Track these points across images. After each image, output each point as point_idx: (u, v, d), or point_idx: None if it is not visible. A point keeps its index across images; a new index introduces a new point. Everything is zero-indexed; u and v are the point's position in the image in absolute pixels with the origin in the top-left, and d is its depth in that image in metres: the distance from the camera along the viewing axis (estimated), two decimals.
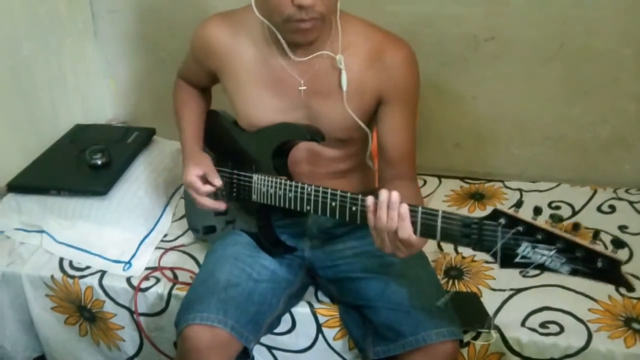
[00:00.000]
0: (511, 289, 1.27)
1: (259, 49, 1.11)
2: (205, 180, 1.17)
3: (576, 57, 1.62)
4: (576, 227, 0.74)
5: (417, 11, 1.65)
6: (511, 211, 0.78)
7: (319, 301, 1.26)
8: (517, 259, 0.77)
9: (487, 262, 1.38)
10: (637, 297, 1.24)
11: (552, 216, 0.75)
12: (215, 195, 1.18)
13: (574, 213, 1.56)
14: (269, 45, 1.09)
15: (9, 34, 1.56)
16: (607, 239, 1.37)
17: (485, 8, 1.62)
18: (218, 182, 1.16)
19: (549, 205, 1.59)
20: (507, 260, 0.78)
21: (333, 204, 0.99)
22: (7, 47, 1.55)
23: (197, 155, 1.22)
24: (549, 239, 0.74)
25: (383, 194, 0.90)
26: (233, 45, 1.13)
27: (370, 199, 0.92)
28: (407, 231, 0.89)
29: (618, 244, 0.71)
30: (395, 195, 0.89)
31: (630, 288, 0.71)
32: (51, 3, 1.70)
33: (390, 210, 0.89)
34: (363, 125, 1.11)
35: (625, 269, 0.72)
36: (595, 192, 1.63)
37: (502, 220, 0.78)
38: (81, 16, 1.84)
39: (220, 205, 1.18)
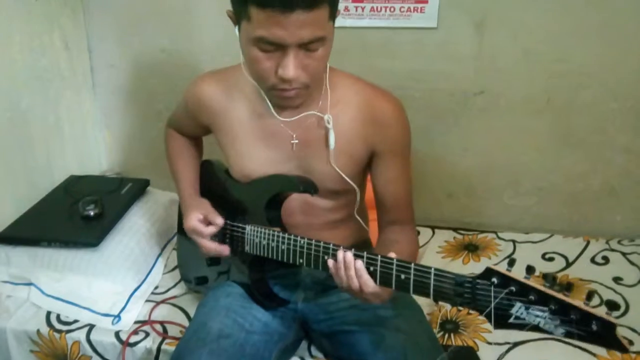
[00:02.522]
0: (508, 343, 1.25)
1: (252, 105, 1.13)
2: (206, 222, 1.17)
3: (564, 110, 1.66)
4: (569, 287, 0.72)
5: (407, 67, 1.70)
6: (504, 270, 0.76)
7: (312, 356, 1.22)
8: (511, 320, 0.76)
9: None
10: (636, 352, 1.22)
11: (545, 276, 0.73)
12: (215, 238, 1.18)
13: (568, 264, 1.55)
14: (262, 101, 1.10)
15: (9, 85, 1.58)
16: (602, 290, 1.39)
17: (474, 64, 1.67)
18: (220, 220, 1.16)
19: (543, 256, 1.59)
20: (501, 320, 0.77)
21: (326, 257, 0.98)
22: (6, 98, 1.57)
23: (195, 201, 1.23)
24: (543, 299, 0.73)
25: (339, 254, 0.95)
26: (227, 102, 1.15)
27: (330, 262, 0.97)
28: (369, 286, 0.93)
29: (612, 305, 0.69)
30: (349, 255, 0.94)
31: (625, 351, 0.69)
32: (52, 56, 1.74)
33: (347, 270, 0.94)
34: (351, 183, 1.11)
35: (622, 321, 0.71)
36: (588, 243, 1.64)
37: (495, 280, 0.77)
38: (80, 69, 1.88)
39: (225, 250, 1.17)
